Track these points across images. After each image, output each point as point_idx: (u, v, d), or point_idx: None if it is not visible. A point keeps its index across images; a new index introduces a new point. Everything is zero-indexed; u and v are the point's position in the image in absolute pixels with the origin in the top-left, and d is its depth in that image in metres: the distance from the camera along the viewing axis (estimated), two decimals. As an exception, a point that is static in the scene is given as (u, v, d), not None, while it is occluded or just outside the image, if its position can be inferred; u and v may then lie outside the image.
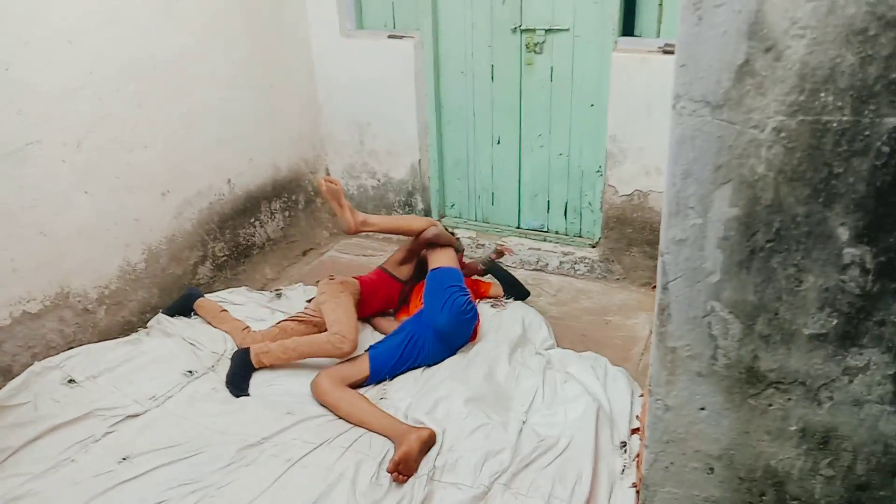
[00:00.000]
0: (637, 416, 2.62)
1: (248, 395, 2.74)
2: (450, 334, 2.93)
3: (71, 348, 2.96)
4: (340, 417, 2.61)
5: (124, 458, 2.36)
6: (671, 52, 3.38)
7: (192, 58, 3.39)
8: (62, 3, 2.75)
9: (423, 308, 2.97)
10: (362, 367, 2.79)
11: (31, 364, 2.76)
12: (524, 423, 2.59)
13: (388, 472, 2.27)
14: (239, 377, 2.78)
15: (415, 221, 3.30)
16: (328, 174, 4.56)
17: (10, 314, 2.73)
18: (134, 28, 3.06)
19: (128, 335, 3.18)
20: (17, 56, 2.62)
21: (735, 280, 1.19)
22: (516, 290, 3.56)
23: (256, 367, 2.84)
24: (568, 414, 2.62)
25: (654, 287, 1.53)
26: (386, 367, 2.82)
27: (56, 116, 2.80)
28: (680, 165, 1.10)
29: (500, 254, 3.66)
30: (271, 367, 2.88)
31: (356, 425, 2.56)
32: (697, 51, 1.04)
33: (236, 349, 2.93)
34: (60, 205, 2.86)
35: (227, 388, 2.75)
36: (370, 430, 2.52)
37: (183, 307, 3.23)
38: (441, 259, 3.13)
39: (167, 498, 2.23)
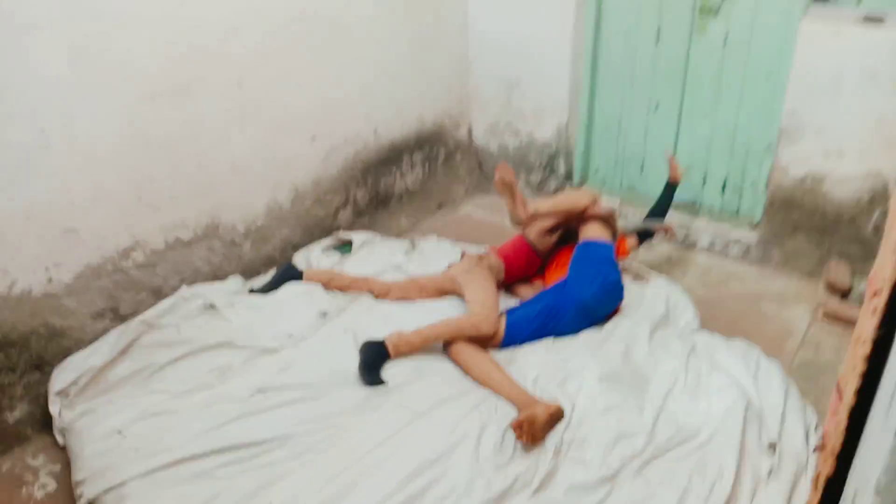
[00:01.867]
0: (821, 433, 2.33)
1: (382, 383, 2.50)
2: (594, 309, 2.77)
3: (216, 276, 3.08)
4: (469, 376, 2.54)
5: (258, 391, 2.42)
6: (875, 22, 2.97)
7: (352, 4, 3.37)
8: (235, -61, 2.79)
9: (568, 279, 2.81)
10: (498, 331, 2.70)
11: (180, 287, 2.90)
12: (661, 408, 2.40)
13: (512, 427, 2.18)
14: (374, 368, 2.54)
15: (579, 199, 3.06)
16: (470, 131, 4.47)
17: (164, 239, 2.86)
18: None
19: (269, 269, 3.28)
20: (190, -8, 2.69)
21: None
22: (644, 231, 3.35)
23: (394, 357, 2.61)
24: (712, 405, 2.41)
25: None
26: (522, 334, 2.71)
27: (221, 54, 2.87)
28: None
29: (658, 232, 3.40)
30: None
31: (484, 387, 2.48)
32: None
33: (367, 341, 2.60)
34: (218, 140, 2.95)
35: (361, 377, 2.50)
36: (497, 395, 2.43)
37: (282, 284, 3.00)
38: (595, 231, 2.95)
39: (295, 432, 2.26)
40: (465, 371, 2.55)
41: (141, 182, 2.72)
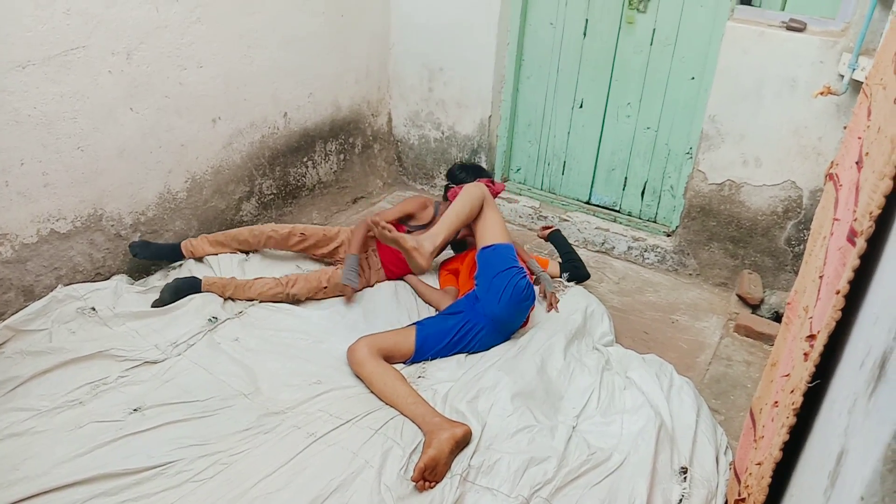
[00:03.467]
0: (730, 464, 2.29)
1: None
2: (508, 322, 2.64)
3: (99, 274, 2.78)
4: (373, 392, 2.37)
5: (135, 409, 2.16)
6: (797, 29, 2.95)
7: (261, -26, 3.08)
8: None
9: (478, 292, 2.65)
10: (408, 343, 2.52)
11: (55, 287, 2.59)
12: (574, 429, 2.31)
13: (413, 480, 2.01)
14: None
15: (467, 207, 2.66)
16: (390, 120, 4.25)
17: (37, 231, 2.54)
18: (200, -68, 2.76)
19: (158, 266, 2.99)
20: (70, -52, 2.35)
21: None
22: (577, 270, 3.21)
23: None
24: (625, 426, 2.33)
25: (810, 382, 1.09)
26: (433, 348, 2.55)
27: (107, 21, 2.54)
28: None
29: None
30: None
31: (388, 405, 2.31)
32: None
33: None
34: (103, 119, 2.63)
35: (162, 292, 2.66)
36: (402, 415, 2.27)
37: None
38: (490, 232, 2.68)
39: (176, 458, 2.02)
40: (369, 386, 2.37)
41: (8, 165, 2.38)
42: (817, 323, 1.13)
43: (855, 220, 1.08)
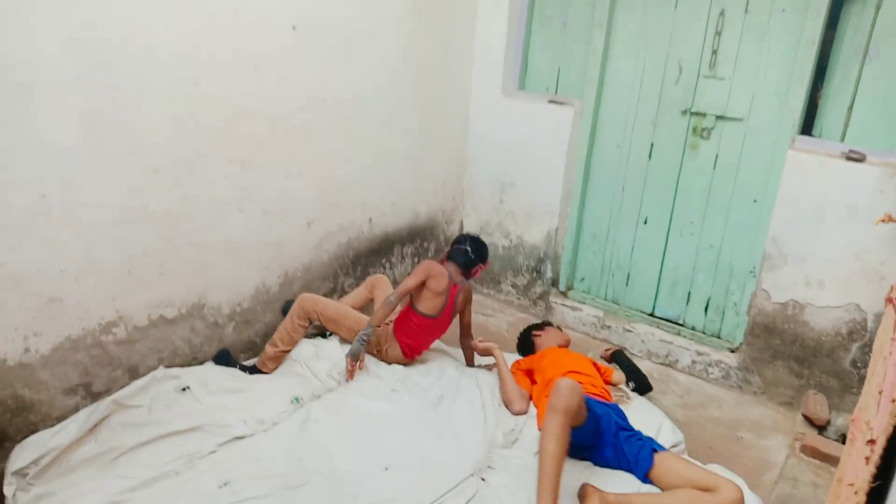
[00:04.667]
0: None
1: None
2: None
3: (195, 358, 3.03)
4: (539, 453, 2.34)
5: (225, 483, 2.33)
6: (857, 160, 3.12)
7: (361, 97, 3.48)
8: (253, 29, 2.89)
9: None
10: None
11: (156, 367, 2.84)
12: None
13: None
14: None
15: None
16: (462, 228, 4.53)
17: (148, 316, 2.82)
18: (314, 62, 3.17)
19: (248, 354, 3.23)
20: (208, 72, 2.76)
21: None
22: (640, 381, 3.30)
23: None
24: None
25: (872, 483, 1.22)
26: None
27: (228, 134, 2.92)
28: None
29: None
30: None
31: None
32: None
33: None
34: (215, 219, 2.96)
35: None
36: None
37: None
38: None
39: (260, 533, 2.16)
40: (542, 441, 2.33)
41: (133, 255, 2.70)
42: (877, 430, 1.24)
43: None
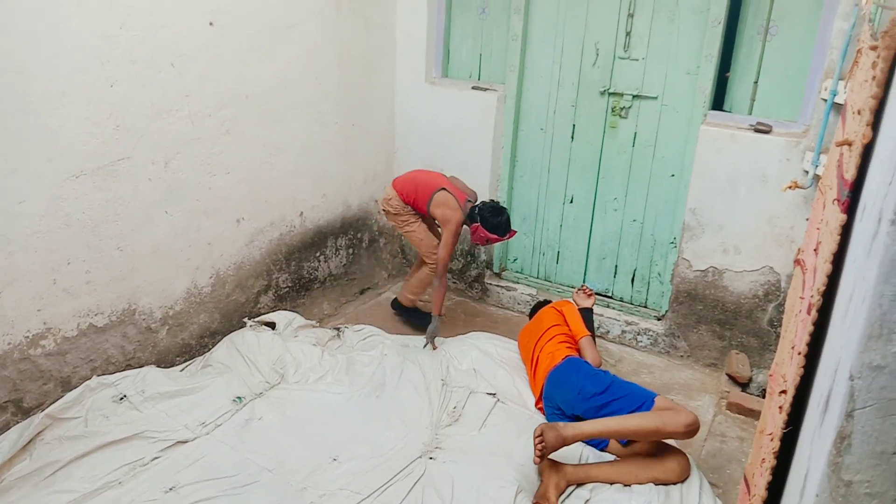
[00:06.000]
0: None
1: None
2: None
3: (129, 365, 2.96)
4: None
5: (171, 489, 2.32)
6: (764, 131, 3.30)
7: (284, 90, 3.44)
8: (171, 26, 2.82)
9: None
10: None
11: (90, 377, 2.77)
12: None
13: None
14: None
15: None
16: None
17: (77, 326, 2.74)
18: (233, 56, 3.13)
19: (184, 357, 3.19)
20: (124, 74, 2.69)
21: (940, 418, 1.03)
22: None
23: None
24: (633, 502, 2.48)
25: (785, 428, 1.32)
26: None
27: (149, 135, 2.85)
28: (890, 286, 0.96)
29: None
30: None
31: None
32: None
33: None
34: (140, 222, 2.90)
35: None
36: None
37: None
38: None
39: (211, 535, 2.16)
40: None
41: (57, 264, 2.62)
42: (788, 381, 1.36)
43: (812, 296, 1.32)
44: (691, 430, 2.49)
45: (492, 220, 3.53)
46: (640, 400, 2.69)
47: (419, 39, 4.15)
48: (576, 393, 2.78)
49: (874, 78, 1.07)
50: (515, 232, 3.68)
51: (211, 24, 2.98)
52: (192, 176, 3.08)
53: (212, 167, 3.16)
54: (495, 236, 3.55)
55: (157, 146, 2.90)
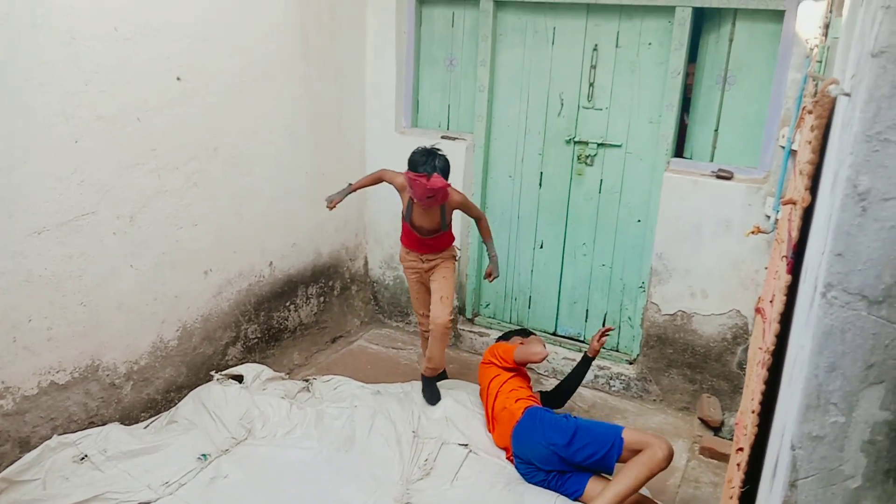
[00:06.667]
0: None
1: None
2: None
3: (92, 423, 2.89)
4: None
5: (132, 554, 2.24)
6: (725, 178, 3.38)
7: (253, 141, 3.46)
8: (137, 81, 2.84)
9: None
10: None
11: (50, 437, 2.70)
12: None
13: None
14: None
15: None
16: (366, 263, 4.55)
17: (38, 384, 2.68)
18: (201, 110, 3.14)
19: (149, 413, 3.12)
20: (89, 129, 2.69)
21: (879, 489, 1.02)
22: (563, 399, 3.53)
23: None
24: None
25: (742, 487, 1.34)
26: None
27: (115, 189, 2.84)
28: (825, 357, 0.98)
29: None
30: None
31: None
32: (857, 242, 0.94)
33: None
34: (105, 277, 2.86)
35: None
36: None
37: None
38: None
39: None
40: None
41: (17, 322, 2.57)
42: (745, 439, 1.36)
43: (764, 354, 1.34)
44: (671, 457, 2.61)
45: (411, 157, 3.23)
46: (609, 441, 2.71)
47: (388, 90, 4.21)
48: (545, 447, 2.77)
49: (810, 143, 1.11)
50: (441, 179, 3.14)
51: (178, 78, 3.00)
52: (159, 229, 3.06)
53: (179, 220, 3.14)
54: (413, 174, 3.12)
55: (123, 200, 2.88)
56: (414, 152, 3.26)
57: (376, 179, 3.56)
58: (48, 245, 2.63)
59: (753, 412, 1.24)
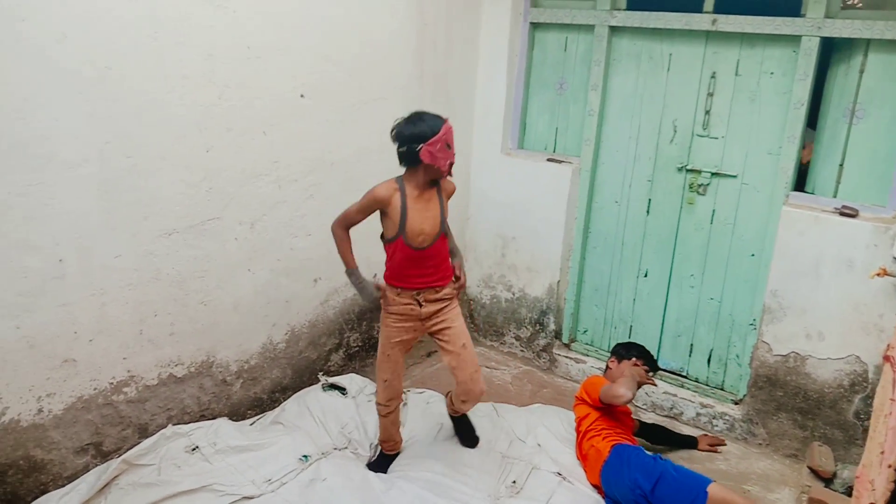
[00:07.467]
0: None
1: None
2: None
3: (203, 416, 3.06)
4: None
5: (235, 544, 2.35)
6: (850, 215, 3.19)
7: (366, 158, 3.59)
8: (264, 97, 3.01)
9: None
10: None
11: (165, 426, 2.87)
12: None
13: None
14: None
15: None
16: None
17: (158, 375, 2.87)
18: (320, 126, 3.30)
19: (255, 411, 3.27)
20: (219, 140, 2.87)
21: None
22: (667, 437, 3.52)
23: None
24: None
25: None
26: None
27: (239, 197, 3.01)
28: None
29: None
30: None
31: None
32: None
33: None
34: (225, 278, 3.04)
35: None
36: None
37: None
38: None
39: None
40: None
41: (145, 316, 2.77)
42: (878, 493, 1.28)
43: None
44: None
45: (407, 131, 2.72)
46: (692, 494, 2.62)
47: (497, 112, 4.26)
48: (630, 489, 2.75)
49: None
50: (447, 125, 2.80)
51: (302, 96, 3.16)
52: (276, 237, 3.22)
53: (294, 229, 3.30)
54: (428, 143, 2.73)
55: (246, 208, 3.06)
56: (404, 127, 2.73)
57: (352, 224, 2.92)
58: (177, 246, 2.82)
59: (890, 466, 1.16)
